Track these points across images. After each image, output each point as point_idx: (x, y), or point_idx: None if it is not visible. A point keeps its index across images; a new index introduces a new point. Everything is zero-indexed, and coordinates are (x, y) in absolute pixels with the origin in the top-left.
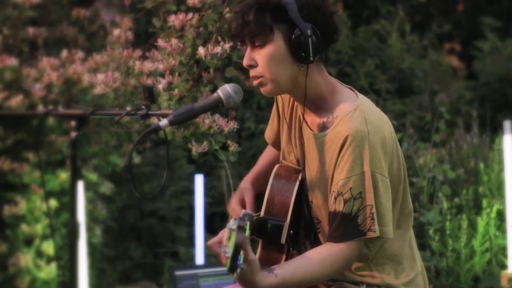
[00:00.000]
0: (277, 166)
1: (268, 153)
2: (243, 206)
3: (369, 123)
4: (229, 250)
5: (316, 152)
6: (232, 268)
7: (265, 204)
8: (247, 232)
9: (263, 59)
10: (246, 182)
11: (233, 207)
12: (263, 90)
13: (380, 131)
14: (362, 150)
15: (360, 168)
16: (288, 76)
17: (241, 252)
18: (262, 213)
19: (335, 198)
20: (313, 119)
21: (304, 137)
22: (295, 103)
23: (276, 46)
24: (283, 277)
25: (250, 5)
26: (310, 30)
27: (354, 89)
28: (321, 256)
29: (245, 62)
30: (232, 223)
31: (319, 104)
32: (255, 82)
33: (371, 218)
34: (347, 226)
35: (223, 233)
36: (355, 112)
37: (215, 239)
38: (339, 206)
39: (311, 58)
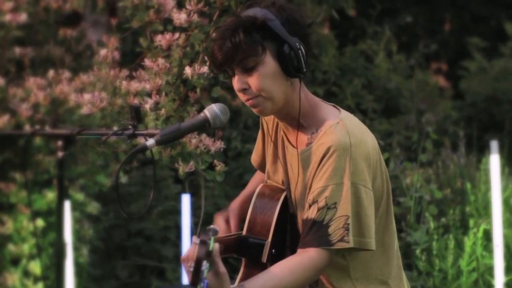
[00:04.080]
0: (260, 185)
1: (256, 178)
2: (228, 224)
3: (352, 135)
4: (193, 265)
5: (301, 168)
6: (194, 282)
7: (247, 223)
8: (211, 247)
9: (256, 81)
10: (235, 204)
11: (218, 223)
12: (257, 110)
13: (363, 144)
14: (343, 161)
15: (339, 179)
16: (282, 91)
17: (203, 266)
18: (244, 231)
19: (309, 206)
20: (297, 137)
21: (287, 155)
22: (279, 123)
23: (267, 64)
24: None
25: (235, 27)
26: (298, 43)
27: (337, 106)
28: (291, 265)
29: (238, 86)
30: (197, 238)
31: (303, 121)
32: (250, 103)
33: (345, 228)
34: (316, 233)
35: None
36: (338, 125)
37: (187, 254)
38: (312, 214)
39: (304, 70)
